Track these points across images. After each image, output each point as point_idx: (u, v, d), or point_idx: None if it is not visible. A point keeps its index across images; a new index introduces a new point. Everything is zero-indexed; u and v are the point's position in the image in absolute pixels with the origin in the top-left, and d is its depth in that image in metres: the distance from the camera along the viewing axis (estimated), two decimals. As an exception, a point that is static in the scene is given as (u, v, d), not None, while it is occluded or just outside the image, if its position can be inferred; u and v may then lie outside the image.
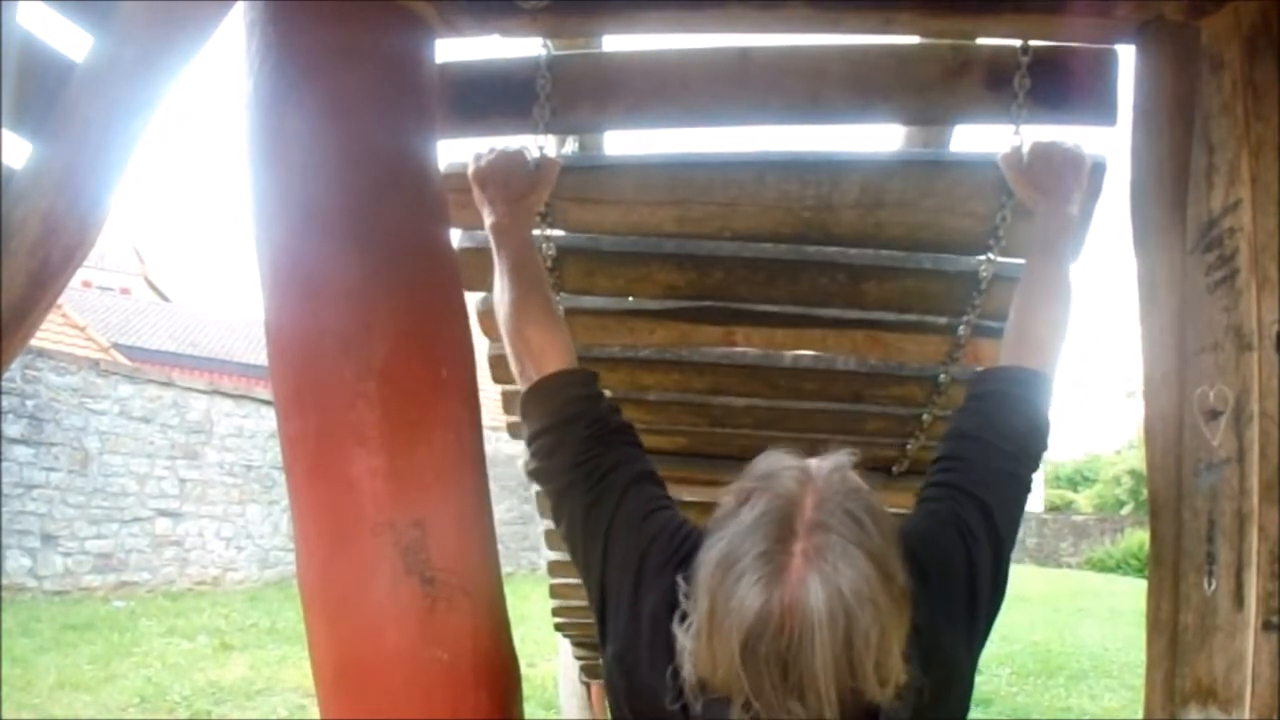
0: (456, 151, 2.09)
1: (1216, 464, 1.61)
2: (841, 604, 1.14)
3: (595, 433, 1.61)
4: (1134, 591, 14.37)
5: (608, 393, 3.14)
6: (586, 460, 1.58)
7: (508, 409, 3.01)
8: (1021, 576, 19.26)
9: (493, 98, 2.06)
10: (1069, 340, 1.76)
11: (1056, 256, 1.81)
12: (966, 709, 1.49)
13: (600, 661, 1.55)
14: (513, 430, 3.26)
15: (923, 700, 1.26)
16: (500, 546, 1.85)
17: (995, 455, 1.59)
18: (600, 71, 2.11)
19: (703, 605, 1.22)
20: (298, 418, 1.70)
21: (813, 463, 1.28)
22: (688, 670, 1.26)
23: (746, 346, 2.80)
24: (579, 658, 6.05)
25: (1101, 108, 1.99)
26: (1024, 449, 1.61)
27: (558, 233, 2.28)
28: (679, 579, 1.33)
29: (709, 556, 1.23)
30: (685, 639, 1.26)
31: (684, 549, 1.46)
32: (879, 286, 2.38)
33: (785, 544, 1.18)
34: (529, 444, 1.67)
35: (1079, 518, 27.87)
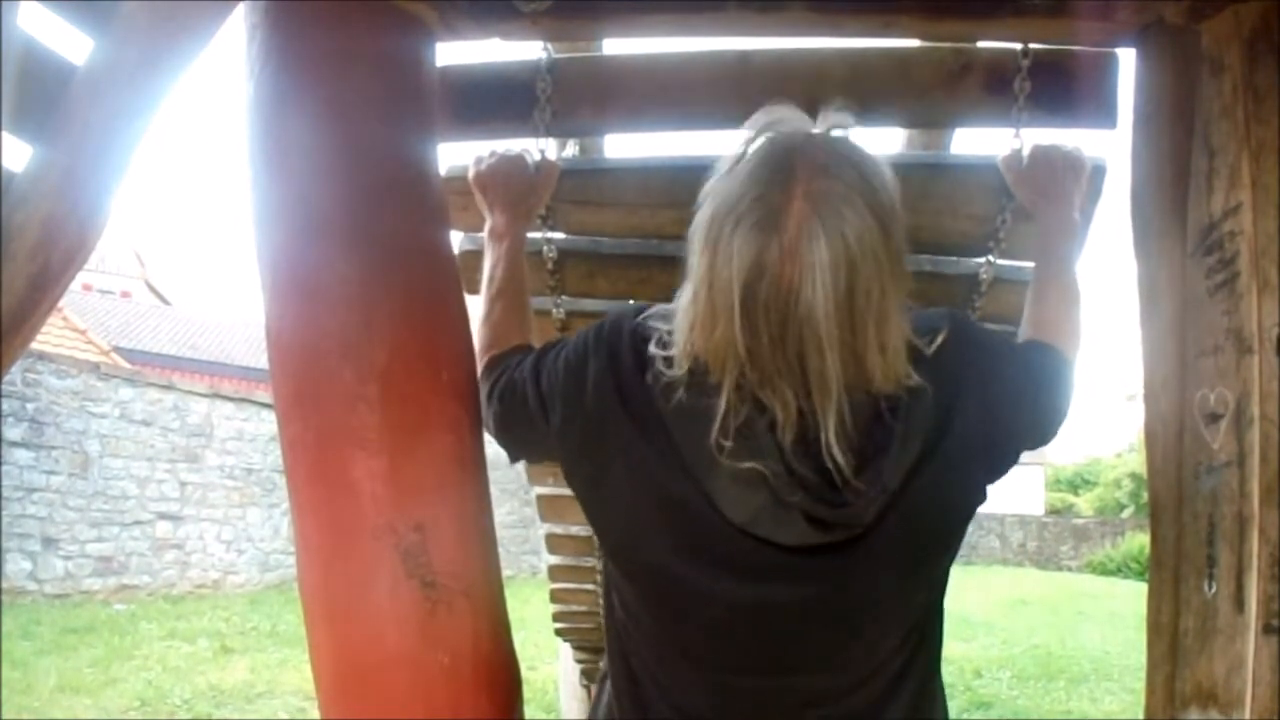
0: (457, 154, 2.09)
1: (1217, 467, 1.61)
2: (844, 249, 1.13)
3: (505, 387, 1.60)
4: (1134, 595, 14.37)
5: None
6: (510, 405, 1.58)
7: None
8: (1022, 579, 19.28)
9: (493, 101, 2.07)
10: (1084, 342, 1.76)
11: (1062, 260, 1.81)
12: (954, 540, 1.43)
13: (601, 664, 1.54)
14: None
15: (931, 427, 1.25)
16: (501, 550, 1.85)
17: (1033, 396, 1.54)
18: (600, 75, 2.11)
19: (700, 262, 1.19)
20: (298, 421, 1.70)
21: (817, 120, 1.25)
22: (676, 353, 1.25)
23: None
24: (579, 661, 6.04)
25: (1102, 111, 1.99)
26: (1048, 420, 1.57)
27: (559, 236, 2.28)
28: (639, 322, 1.35)
29: (704, 213, 1.21)
30: (672, 327, 1.27)
31: (599, 335, 1.42)
32: (879, 289, 2.38)
33: (786, 188, 1.15)
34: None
35: (1079, 521, 27.87)
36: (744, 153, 1.22)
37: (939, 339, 1.28)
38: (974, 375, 1.34)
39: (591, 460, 1.39)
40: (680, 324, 1.25)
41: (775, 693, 1.37)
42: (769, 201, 1.15)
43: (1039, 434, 1.55)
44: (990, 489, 1.42)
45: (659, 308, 1.35)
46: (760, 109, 1.28)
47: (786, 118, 1.25)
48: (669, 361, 1.27)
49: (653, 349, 1.30)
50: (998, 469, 1.42)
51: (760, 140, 1.22)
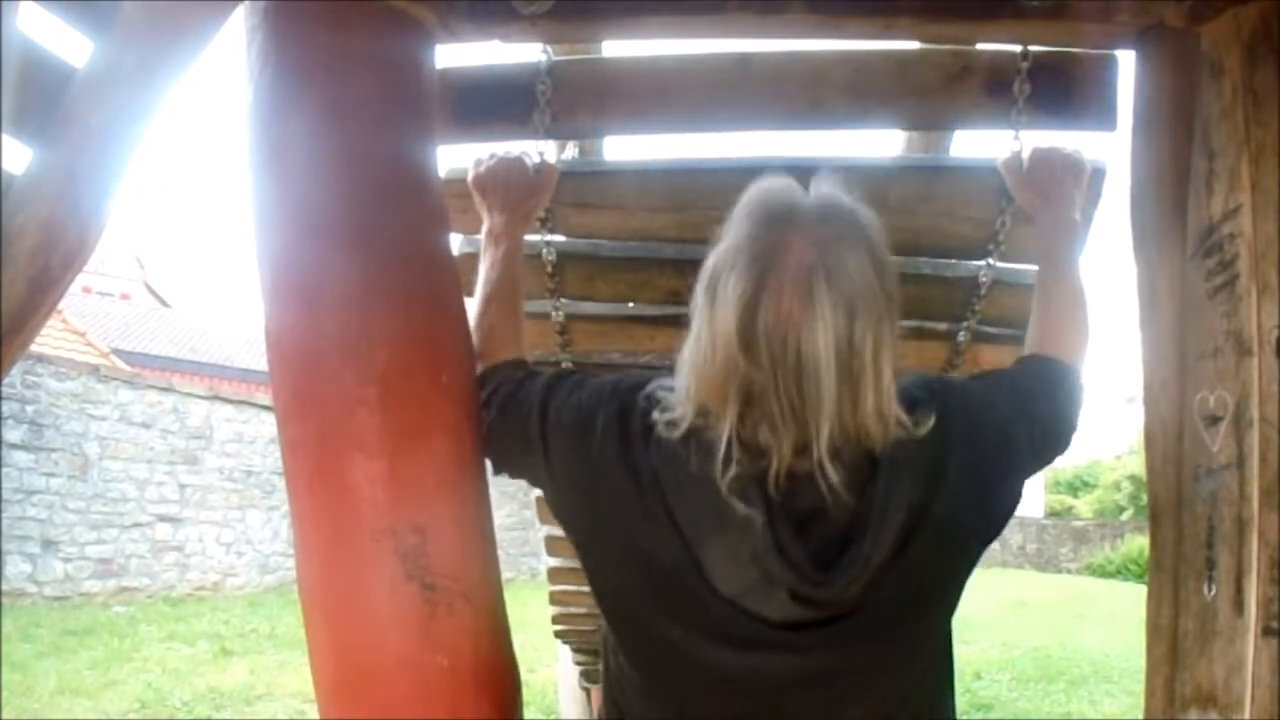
0: (457, 157, 2.09)
1: (1216, 469, 1.61)
2: (846, 282, 1.14)
3: (505, 398, 1.64)
4: (1134, 597, 14.35)
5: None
6: (509, 419, 1.61)
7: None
8: (1021, 582, 19.27)
9: (493, 103, 2.06)
10: (1092, 344, 1.76)
11: (1064, 262, 1.82)
12: (950, 606, 1.45)
13: (599, 667, 1.55)
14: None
15: (917, 515, 1.26)
16: (500, 552, 1.85)
17: (1041, 403, 1.57)
18: (600, 77, 2.11)
19: (703, 304, 1.21)
20: (298, 423, 1.70)
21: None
22: (675, 413, 1.26)
23: (747, 352, 2.79)
24: (579, 663, 6.03)
25: (1101, 113, 1.99)
26: (1056, 433, 1.60)
27: (558, 238, 2.28)
28: (648, 391, 1.35)
29: (706, 265, 1.23)
30: (669, 396, 1.28)
31: (615, 389, 1.45)
32: (879, 292, 2.37)
33: (785, 231, 1.17)
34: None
35: (1079, 523, 27.82)
36: (743, 213, 1.24)
37: (929, 422, 1.27)
38: (957, 428, 1.35)
39: (585, 509, 1.43)
40: (682, 369, 1.26)
41: None
42: (768, 242, 1.17)
43: (1049, 448, 1.57)
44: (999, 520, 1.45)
45: (668, 381, 1.35)
46: (754, 182, 1.31)
47: (785, 181, 1.27)
48: (671, 425, 1.28)
49: (655, 415, 1.31)
50: (1001, 506, 1.45)
51: (759, 204, 1.24)
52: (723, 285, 1.18)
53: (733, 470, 1.21)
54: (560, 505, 1.52)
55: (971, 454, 1.37)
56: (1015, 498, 1.48)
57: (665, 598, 1.32)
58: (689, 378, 1.25)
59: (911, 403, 1.27)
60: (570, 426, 1.47)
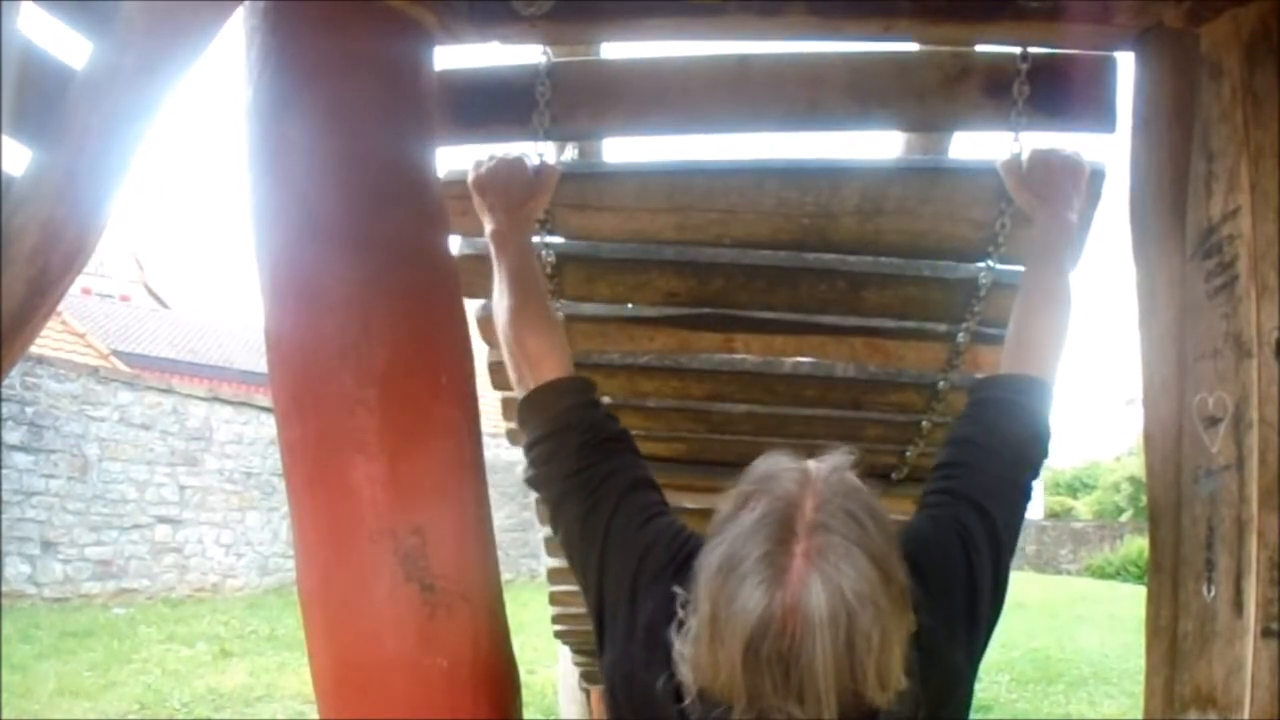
0: (456, 158, 2.09)
1: (1216, 471, 1.61)
2: (843, 604, 1.15)
3: (590, 440, 1.60)
4: (1133, 598, 14.36)
5: (607, 399, 3.17)
6: (582, 468, 1.58)
7: (507, 415, 3.00)
8: (1021, 583, 19.25)
9: (492, 105, 2.07)
10: (1069, 347, 1.76)
11: (1056, 264, 1.81)
12: (966, 718, 1.49)
13: (599, 668, 1.55)
14: (512, 437, 3.26)
15: (922, 706, 1.26)
16: (500, 553, 1.85)
17: (996, 462, 1.58)
18: (600, 78, 2.11)
19: (704, 610, 1.22)
20: (297, 424, 1.70)
21: (811, 464, 1.28)
22: (687, 677, 1.26)
23: (746, 353, 2.80)
24: (579, 664, 6.04)
25: (1101, 115, 1.99)
26: (1025, 457, 1.61)
27: (557, 240, 2.28)
28: (676, 589, 1.33)
29: (709, 560, 1.23)
30: (684, 646, 1.27)
31: (681, 555, 1.47)
32: (878, 293, 2.38)
33: (786, 545, 1.18)
34: (526, 452, 1.67)
35: (1078, 524, 27.84)
36: (745, 502, 1.25)
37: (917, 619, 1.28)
38: (930, 604, 1.34)
39: (625, 622, 1.46)
40: (686, 655, 1.26)
41: None
42: (771, 560, 1.18)
43: (1021, 501, 1.61)
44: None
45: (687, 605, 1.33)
46: (762, 457, 1.32)
47: (785, 470, 1.28)
48: (681, 660, 1.28)
49: (676, 642, 1.30)
50: (986, 606, 1.48)
51: (762, 499, 1.24)
52: (725, 604, 1.19)
53: None
54: (594, 612, 1.54)
55: (947, 610, 1.41)
56: (1006, 580, 1.52)
57: None
58: (694, 670, 1.25)
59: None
60: (628, 566, 1.49)
